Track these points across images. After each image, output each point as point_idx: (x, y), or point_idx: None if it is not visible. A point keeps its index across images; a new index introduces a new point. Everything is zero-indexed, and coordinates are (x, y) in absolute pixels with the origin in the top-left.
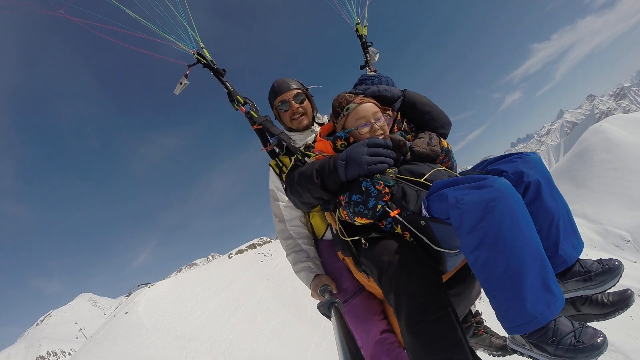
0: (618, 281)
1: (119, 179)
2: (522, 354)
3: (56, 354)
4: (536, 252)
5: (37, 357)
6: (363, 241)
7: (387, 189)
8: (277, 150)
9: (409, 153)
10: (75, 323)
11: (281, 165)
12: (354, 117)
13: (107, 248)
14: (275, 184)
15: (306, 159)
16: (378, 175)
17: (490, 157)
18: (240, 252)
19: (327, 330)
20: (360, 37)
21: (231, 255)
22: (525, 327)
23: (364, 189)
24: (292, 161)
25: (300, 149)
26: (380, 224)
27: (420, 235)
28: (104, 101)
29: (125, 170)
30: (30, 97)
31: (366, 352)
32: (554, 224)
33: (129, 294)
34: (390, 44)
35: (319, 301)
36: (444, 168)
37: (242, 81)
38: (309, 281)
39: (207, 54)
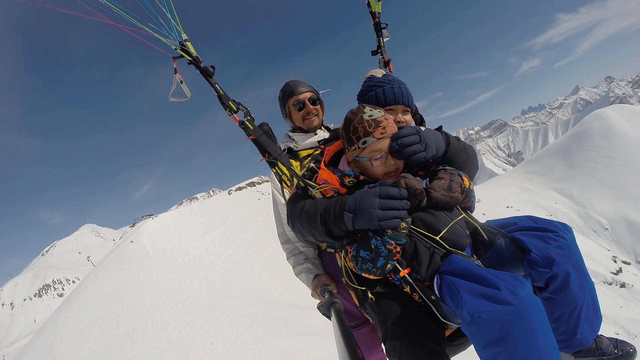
0: None
1: (124, 110)
2: None
3: (61, 282)
4: None
5: (43, 285)
6: (370, 295)
7: (398, 248)
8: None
9: (425, 199)
10: (79, 253)
11: (281, 174)
12: (370, 150)
13: (110, 179)
14: (274, 186)
15: (309, 187)
16: (389, 231)
17: (519, 216)
18: (240, 189)
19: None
20: (373, 15)
21: (231, 192)
22: None
23: (373, 246)
24: (294, 186)
25: (306, 164)
26: (388, 276)
27: (430, 304)
28: (111, 30)
29: (131, 102)
30: (35, 25)
31: None
32: (576, 311)
33: (134, 225)
34: None
35: (319, 301)
36: (463, 215)
37: (233, 71)
38: (309, 282)
39: (191, 49)
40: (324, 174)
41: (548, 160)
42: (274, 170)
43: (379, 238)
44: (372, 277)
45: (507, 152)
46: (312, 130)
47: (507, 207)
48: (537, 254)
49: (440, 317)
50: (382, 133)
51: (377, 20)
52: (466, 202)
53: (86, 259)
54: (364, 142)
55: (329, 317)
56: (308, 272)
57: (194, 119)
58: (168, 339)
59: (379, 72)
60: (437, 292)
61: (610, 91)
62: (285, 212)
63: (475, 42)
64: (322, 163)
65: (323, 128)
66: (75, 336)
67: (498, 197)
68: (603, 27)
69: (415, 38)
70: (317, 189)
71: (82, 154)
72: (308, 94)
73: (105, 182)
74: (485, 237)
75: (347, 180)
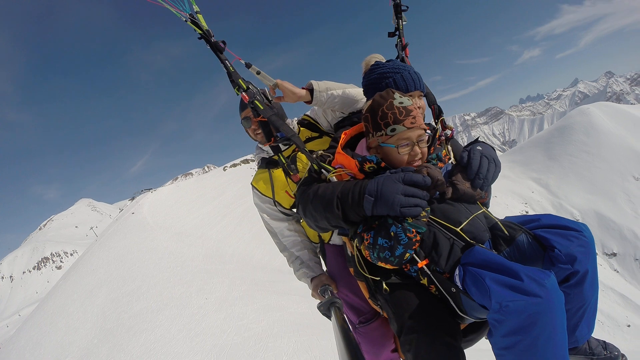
0: None
1: (120, 86)
2: None
3: (59, 255)
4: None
5: (41, 258)
6: (384, 285)
7: (418, 237)
8: (281, 146)
9: (451, 191)
10: (76, 227)
11: (284, 162)
12: (398, 137)
13: (105, 154)
14: (256, 202)
15: (323, 171)
16: (410, 219)
17: (551, 215)
18: (235, 165)
19: None
20: None
21: (226, 168)
22: None
23: (392, 234)
24: (307, 171)
25: (318, 154)
26: (404, 267)
27: (448, 297)
28: (108, 6)
29: (127, 78)
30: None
31: None
32: (582, 309)
33: (133, 198)
34: None
35: (319, 301)
36: (483, 210)
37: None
38: (309, 284)
39: (202, 22)
40: (341, 158)
41: (530, 151)
42: (262, 177)
43: (399, 225)
44: (388, 266)
45: (501, 139)
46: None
47: None
48: (561, 251)
49: (458, 310)
50: (412, 123)
51: (398, 1)
52: (485, 198)
53: (84, 233)
54: (393, 130)
55: (329, 317)
56: (306, 276)
57: (190, 95)
58: (169, 294)
59: (378, 57)
60: (459, 283)
61: (608, 86)
62: (273, 222)
63: (477, 28)
64: (340, 146)
65: (293, 122)
66: (85, 295)
67: None
68: (606, 21)
69: (416, 20)
70: (333, 173)
71: (77, 128)
72: (246, 112)
73: (101, 157)
74: (505, 232)
75: (367, 165)
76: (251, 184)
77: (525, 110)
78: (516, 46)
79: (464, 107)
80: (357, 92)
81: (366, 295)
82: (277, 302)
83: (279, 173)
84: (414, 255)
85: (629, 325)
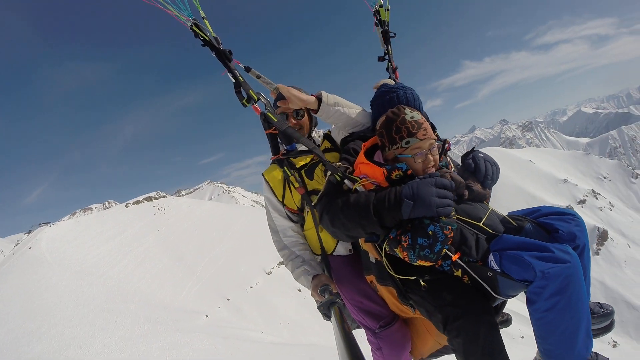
0: (610, 323)
1: (18, 107)
2: None
3: None
4: (587, 313)
5: None
6: (422, 283)
7: (452, 232)
8: (287, 159)
9: (467, 192)
10: None
11: (290, 173)
12: (412, 148)
13: None
14: (267, 195)
15: (346, 182)
16: (444, 218)
17: (545, 206)
18: (137, 202)
19: (202, 277)
20: (381, 23)
21: (128, 205)
22: None
23: (430, 232)
24: (326, 181)
25: (337, 165)
26: (437, 263)
27: (483, 283)
28: (18, 12)
29: (28, 98)
30: None
31: None
32: (584, 275)
33: (30, 232)
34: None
35: (319, 301)
36: (491, 207)
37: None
38: (308, 283)
39: (209, 28)
40: (365, 167)
41: None
42: (274, 174)
43: (437, 224)
44: (426, 263)
45: None
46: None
47: None
48: (564, 231)
49: (493, 293)
50: (424, 134)
51: (386, 28)
52: (489, 196)
53: None
54: (407, 142)
55: (328, 317)
56: (306, 274)
57: (96, 124)
58: (71, 334)
59: (390, 81)
60: (497, 266)
61: (502, 133)
62: (278, 220)
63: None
64: (363, 157)
65: (312, 138)
66: None
67: None
68: (504, 76)
69: (332, 69)
70: (360, 183)
71: None
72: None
73: None
74: (514, 224)
75: (395, 173)
76: (263, 174)
77: None
78: (420, 96)
79: None
80: (363, 116)
81: (391, 298)
82: (180, 340)
83: (291, 178)
84: (447, 250)
85: (522, 337)
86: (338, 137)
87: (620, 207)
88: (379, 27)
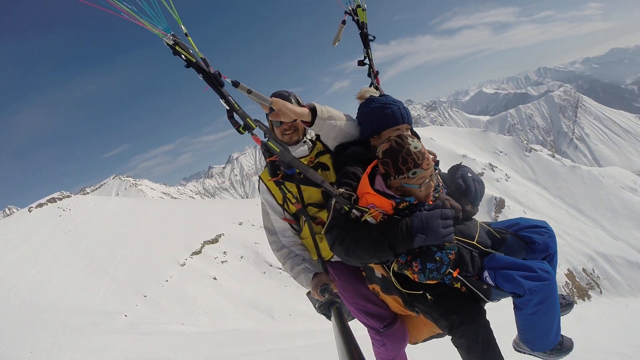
0: (570, 309)
1: None
2: (523, 353)
3: None
4: (559, 312)
5: None
6: (429, 297)
7: (454, 255)
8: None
9: (461, 214)
10: None
11: (286, 192)
12: (418, 178)
13: None
14: (266, 197)
15: (354, 211)
16: (447, 244)
17: (522, 218)
18: (41, 205)
19: (116, 276)
20: (359, 25)
21: (31, 209)
22: (544, 348)
23: (438, 258)
24: (332, 210)
25: (340, 193)
26: None
27: (479, 293)
28: None
29: None
30: None
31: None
32: None
33: None
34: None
35: (320, 300)
36: (479, 222)
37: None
38: (308, 281)
39: (194, 47)
40: (374, 198)
41: None
42: (271, 180)
43: (443, 251)
44: (433, 282)
45: None
46: (293, 144)
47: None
48: (540, 243)
49: (486, 299)
50: (427, 164)
51: (365, 31)
52: (475, 213)
53: None
54: (414, 173)
55: (328, 317)
56: (307, 272)
57: None
58: None
59: (373, 92)
60: (492, 282)
61: None
62: (277, 222)
63: (295, 60)
64: (369, 188)
65: (308, 140)
66: None
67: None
68: (409, 58)
69: (234, 50)
70: (369, 214)
71: None
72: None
73: None
74: (498, 236)
75: (402, 205)
76: (260, 177)
77: None
78: (327, 78)
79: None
80: (352, 127)
81: (396, 304)
82: (103, 343)
83: (290, 186)
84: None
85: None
86: (327, 143)
87: (515, 178)
88: (359, 29)
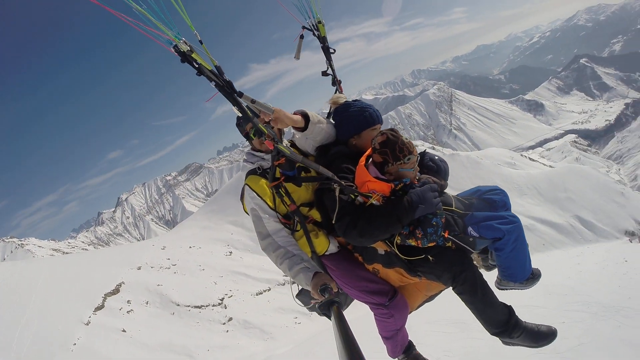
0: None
1: None
2: (506, 289)
3: None
4: (527, 245)
5: None
6: (431, 258)
7: (444, 219)
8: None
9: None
10: None
11: (283, 194)
12: (411, 162)
13: None
14: (257, 203)
15: (359, 198)
16: (438, 211)
17: (480, 186)
18: None
19: (20, 351)
20: (321, 39)
21: None
22: (523, 278)
23: (434, 223)
24: (338, 201)
25: (344, 184)
26: None
27: (465, 246)
28: None
29: None
30: None
31: (402, 324)
32: None
33: None
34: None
35: (319, 300)
36: (452, 195)
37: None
38: (308, 281)
39: (207, 53)
40: (374, 185)
41: (224, 198)
42: (260, 183)
43: (437, 217)
44: (432, 244)
45: (205, 192)
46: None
47: (190, 247)
48: (498, 200)
49: (472, 250)
50: (416, 151)
51: (326, 44)
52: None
53: None
54: (409, 158)
55: (328, 317)
56: (306, 272)
57: None
58: None
59: (343, 96)
60: (476, 233)
61: None
62: (270, 224)
63: (170, 89)
64: (369, 176)
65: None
66: None
67: (182, 239)
68: (290, 75)
69: (105, 83)
70: (374, 198)
71: None
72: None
73: None
74: (466, 202)
75: (399, 186)
76: (248, 184)
77: (223, 160)
78: (210, 104)
79: (165, 168)
80: (332, 129)
81: (397, 275)
82: None
83: (285, 199)
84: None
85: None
86: (307, 147)
87: None
88: (321, 43)
